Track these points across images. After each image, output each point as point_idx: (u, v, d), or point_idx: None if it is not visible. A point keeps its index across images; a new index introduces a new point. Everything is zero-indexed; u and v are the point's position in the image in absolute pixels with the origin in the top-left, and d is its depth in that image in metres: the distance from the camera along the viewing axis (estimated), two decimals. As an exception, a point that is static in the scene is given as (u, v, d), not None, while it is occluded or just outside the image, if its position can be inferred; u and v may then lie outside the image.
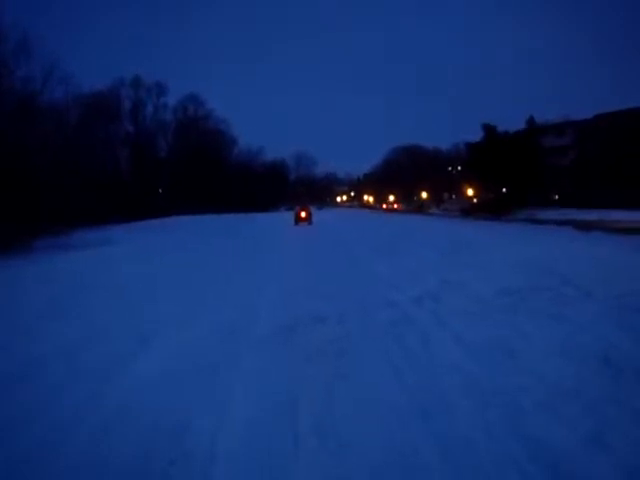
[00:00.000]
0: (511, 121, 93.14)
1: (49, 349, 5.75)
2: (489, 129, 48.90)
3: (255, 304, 8.02)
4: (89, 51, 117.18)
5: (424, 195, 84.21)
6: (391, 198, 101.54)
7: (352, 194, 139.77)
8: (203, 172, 64.08)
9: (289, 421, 3.68)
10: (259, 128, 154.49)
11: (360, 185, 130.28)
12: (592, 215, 31.39)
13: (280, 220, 43.03)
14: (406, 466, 3.05)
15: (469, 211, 48.50)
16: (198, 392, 4.30)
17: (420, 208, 72.33)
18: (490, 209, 43.57)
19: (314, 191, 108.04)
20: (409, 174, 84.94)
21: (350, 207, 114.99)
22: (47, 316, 7.58)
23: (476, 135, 51.18)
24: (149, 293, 9.51)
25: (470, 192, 54.88)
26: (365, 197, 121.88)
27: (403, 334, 5.85)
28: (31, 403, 4.19)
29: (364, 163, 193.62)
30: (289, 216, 41.42)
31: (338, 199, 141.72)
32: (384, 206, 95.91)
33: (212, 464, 3.17)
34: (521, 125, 50.54)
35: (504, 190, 47.26)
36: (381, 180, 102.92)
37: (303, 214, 37.41)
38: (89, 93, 48.84)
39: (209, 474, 3.06)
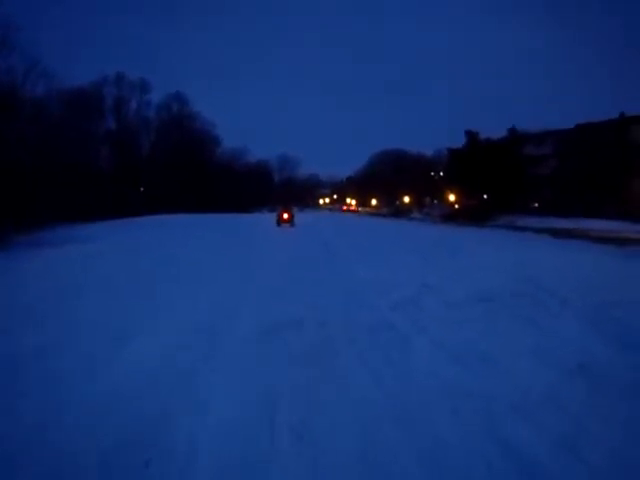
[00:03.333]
0: (494, 129, 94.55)
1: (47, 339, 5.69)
2: (471, 135, 49.63)
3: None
4: (73, 48, 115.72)
5: (406, 199, 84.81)
6: (373, 202, 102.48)
7: (335, 197, 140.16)
8: (186, 171, 63.64)
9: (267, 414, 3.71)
10: (243, 129, 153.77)
11: (343, 188, 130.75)
12: (570, 223, 32.01)
13: (262, 221, 42.84)
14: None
15: (450, 216, 48.96)
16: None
17: (397, 212, 72.38)
18: (471, 215, 44.09)
19: (297, 193, 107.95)
20: (392, 178, 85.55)
21: (331, 210, 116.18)
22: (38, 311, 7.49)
23: (459, 142, 51.88)
24: (132, 287, 9.54)
25: (452, 198, 55.36)
26: (348, 200, 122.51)
27: (383, 334, 5.92)
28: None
29: (347, 166, 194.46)
30: (272, 218, 41.23)
31: (320, 201, 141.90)
32: (344, 208, 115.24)
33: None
34: (503, 133, 51.49)
35: (485, 196, 47.89)
36: (364, 184, 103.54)
37: (285, 215, 37.46)
38: (71, 89, 48.27)
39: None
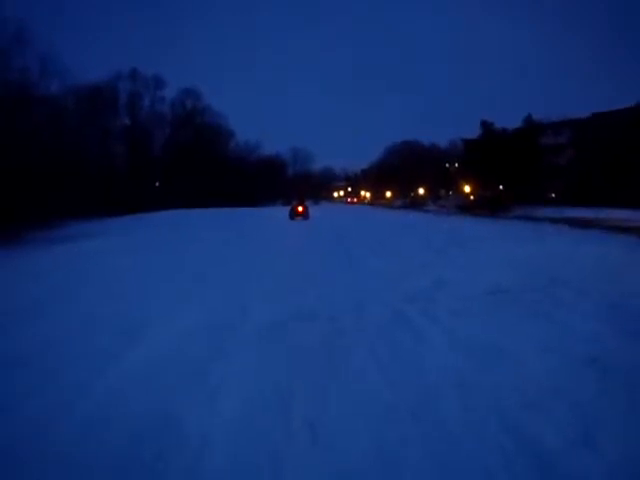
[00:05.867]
0: (509, 119, 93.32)
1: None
2: (487, 126, 48.99)
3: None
4: (87, 44, 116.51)
5: (421, 191, 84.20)
6: (388, 194, 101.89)
7: (349, 190, 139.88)
8: (200, 166, 63.88)
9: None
10: (256, 123, 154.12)
11: (357, 181, 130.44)
12: (588, 213, 31.53)
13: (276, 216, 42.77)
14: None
15: (466, 208, 48.40)
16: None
17: (412, 204, 71.52)
18: (487, 206, 43.57)
19: (311, 186, 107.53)
20: (406, 170, 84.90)
21: (343, 202, 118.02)
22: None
23: (474, 132, 51.21)
24: (141, 281, 9.77)
25: (467, 189, 54.79)
26: (362, 193, 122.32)
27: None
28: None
29: (362, 159, 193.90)
30: (286, 211, 40.98)
31: (335, 194, 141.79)
32: (348, 200, 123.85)
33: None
34: (519, 123, 50.72)
35: (501, 187, 47.31)
36: (378, 176, 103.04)
37: (300, 209, 37.41)
38: (86, 85, 48.58)
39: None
